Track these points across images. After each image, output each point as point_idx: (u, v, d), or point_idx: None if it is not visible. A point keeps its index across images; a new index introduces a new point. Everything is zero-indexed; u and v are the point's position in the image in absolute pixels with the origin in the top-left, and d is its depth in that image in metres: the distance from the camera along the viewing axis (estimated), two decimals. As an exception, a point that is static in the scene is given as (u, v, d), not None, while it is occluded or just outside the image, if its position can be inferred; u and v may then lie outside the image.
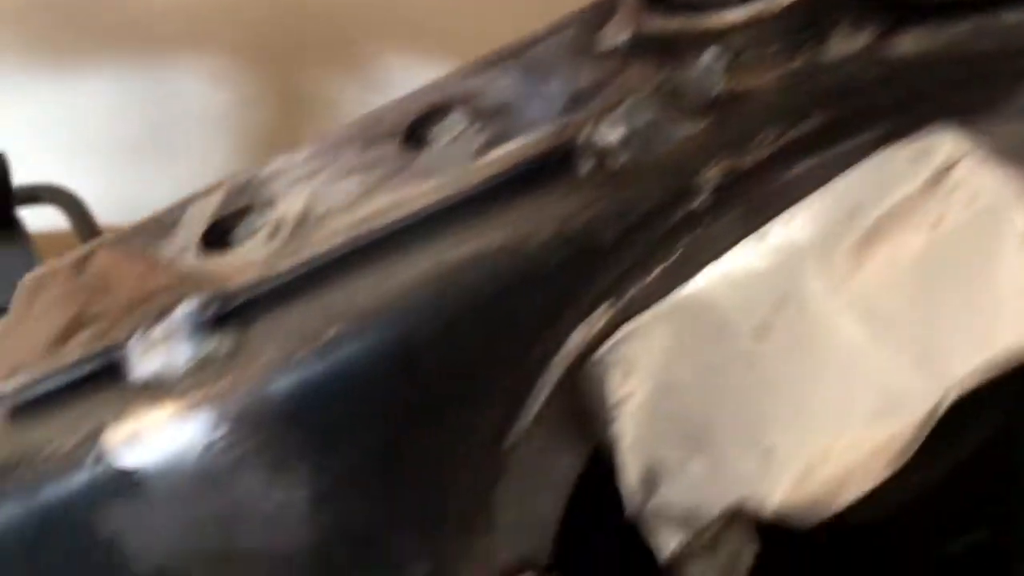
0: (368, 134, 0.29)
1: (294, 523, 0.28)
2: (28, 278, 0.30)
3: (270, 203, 0.28)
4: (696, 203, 0.25)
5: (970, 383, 0.22)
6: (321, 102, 1.09)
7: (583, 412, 0.27)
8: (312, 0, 1.00)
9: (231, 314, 0.26)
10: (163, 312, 0.26)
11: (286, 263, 0.26)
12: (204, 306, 0.26)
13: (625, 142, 0.25)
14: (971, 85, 0.25)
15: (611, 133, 0.25)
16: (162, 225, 0.30)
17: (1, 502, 0.26)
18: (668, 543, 0.22)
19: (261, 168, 0.30)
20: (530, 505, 0.29)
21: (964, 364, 0.21)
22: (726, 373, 0.24)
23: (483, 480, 0.28)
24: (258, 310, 0.26)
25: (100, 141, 0.73)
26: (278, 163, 0.30)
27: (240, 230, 0.28)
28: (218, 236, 0.28)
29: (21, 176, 0.71)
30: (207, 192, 0.30)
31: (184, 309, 0.26)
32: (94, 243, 0.30)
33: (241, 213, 0.28)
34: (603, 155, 0.25)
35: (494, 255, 0.25)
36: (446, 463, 0.28)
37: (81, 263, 0.30)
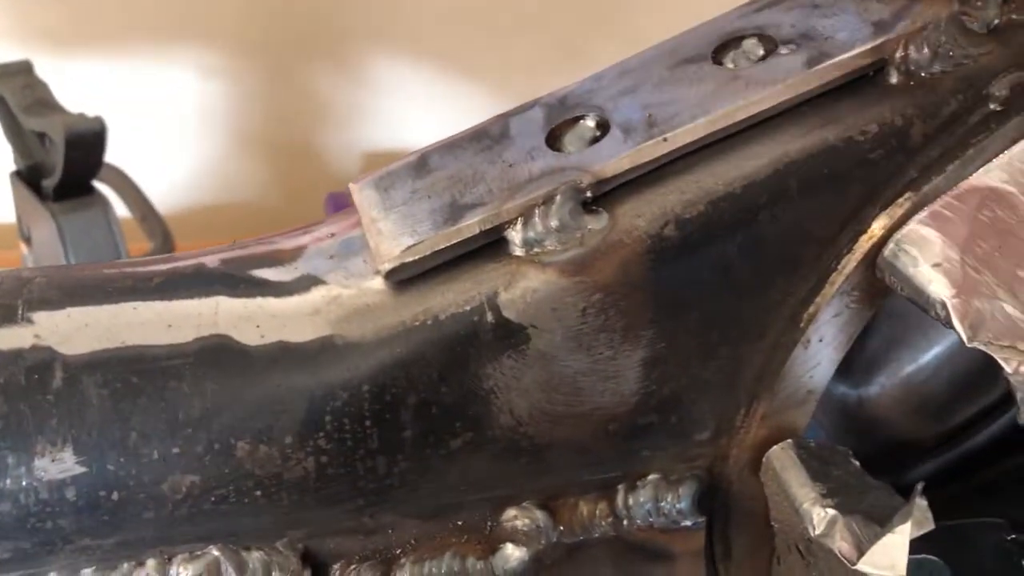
0: (669, 60, 0.34)
1: (624, 387, 0.32)
2: (364, 181, 0.33)
3: (601, 111, 0.33)
4: (988, 108, 0.30)
5: None
6: (313, 97, 1.12)
7: (876, 286, 0.32)
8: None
9: (606, 196, 0.30)
10: (546, 196, 0.30)
11: (649, 154, 0.30)
12: (582, 190, 0.30)
13: (930, 59, 0.31)
14: None
15: (918, 52, 0.31)
16: (488, 135, 0.34)
17: (405, 366, 0.29)
18: (1008, 364, 0.28)
19: (565, 90, 0.35)
20: (806, 376, 0.34)
21: None
22: (1019, 239, 0.29)
23: (779, 352, 0.33)
24: (629, 192, 0.30)
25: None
26: (585, 84, 0.35)
27: (572, 135, 0.33)
28: (556, 139, 0.33)
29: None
30: (519, 111, 0.34)
31: (565, 191, 0.30)
32: (418, 151, 0.34)
33: (572, 122, 0.33)
34: (912, 69, 0.31)
35: (827, 148, 0.30)
36: (754, 334, 0.33)
37: (419, 166, 0.33)
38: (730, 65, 0.33)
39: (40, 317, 0.29)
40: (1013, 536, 0.43)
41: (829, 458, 0.35)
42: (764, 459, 0.35)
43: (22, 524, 0.27)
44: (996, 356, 0.28)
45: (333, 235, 0.33)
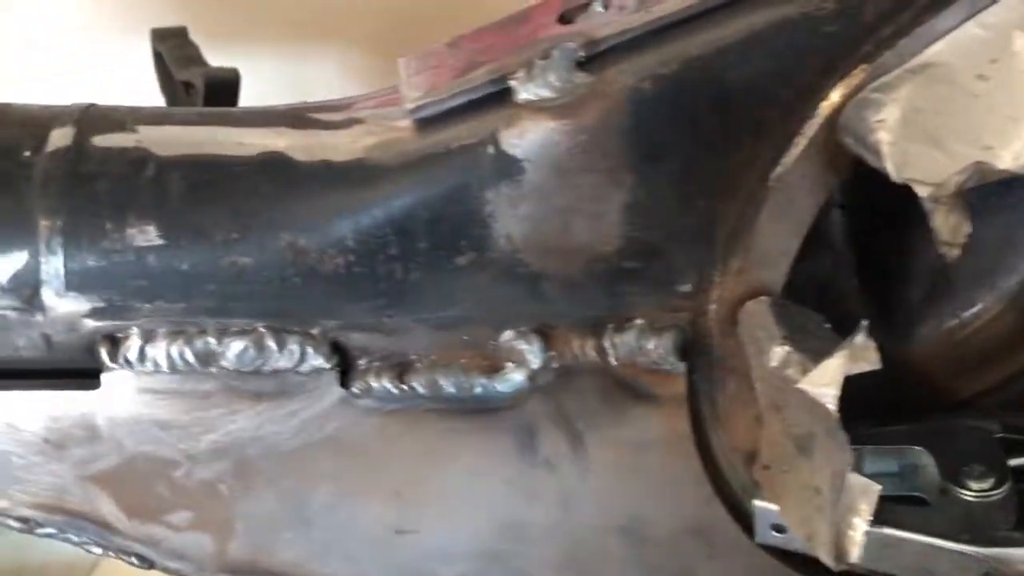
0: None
1: (607, 229, 0.37)
2: (409, 57, 0.40)
3: (606, -3, 0.39)
4: (936, -9, 0.35)
5: None
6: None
7: (837, 147, 0.36)
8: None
9: (595, 56, 0.36)
10: (545, 53, 0.36)
11: (634, 22, 0.36)
12: (576, 48, 0.36)
13: (883, -56, 0.35)
14: None
15: (873, -61, 0.35)
16: (511, 20, 0.40)
17: (420, 184, 0.36)
18: (922, 192, 0.32)
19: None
20: (779, 235, 0.39)
21: None
22: (954, 101, 0.33)
23: (750, 209, 0.38)
24: (616, 54, 0.36)
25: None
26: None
27: (583, 16, 0.39)
28: (568, 20, 0.39)
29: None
30: (543, 2, 0.41)
31: (561, 50, 0.36)
32: (456, 37, 0.41)
33: (585, 6, 0.39)
34: (869, -46, 0.35)
35: (788, 20, 0.35)
36: (726, 190, 0.38)
37: (453, 44, 0.40)
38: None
39: (142, 129, 0.37)
40: (1001, 435, 0.45)
41: (801, 317, 0.39)
42: (740, 313, 0.39)
43: (115, 279, 0.35)
44: (916, 188, 0.32)
45: (380, 96, 0.40)
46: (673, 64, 0.36)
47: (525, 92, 0.36)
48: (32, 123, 0.37)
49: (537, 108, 0.36)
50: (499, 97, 0.37)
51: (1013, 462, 0.45)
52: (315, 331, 0.37)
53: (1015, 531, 0.40)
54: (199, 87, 0.77)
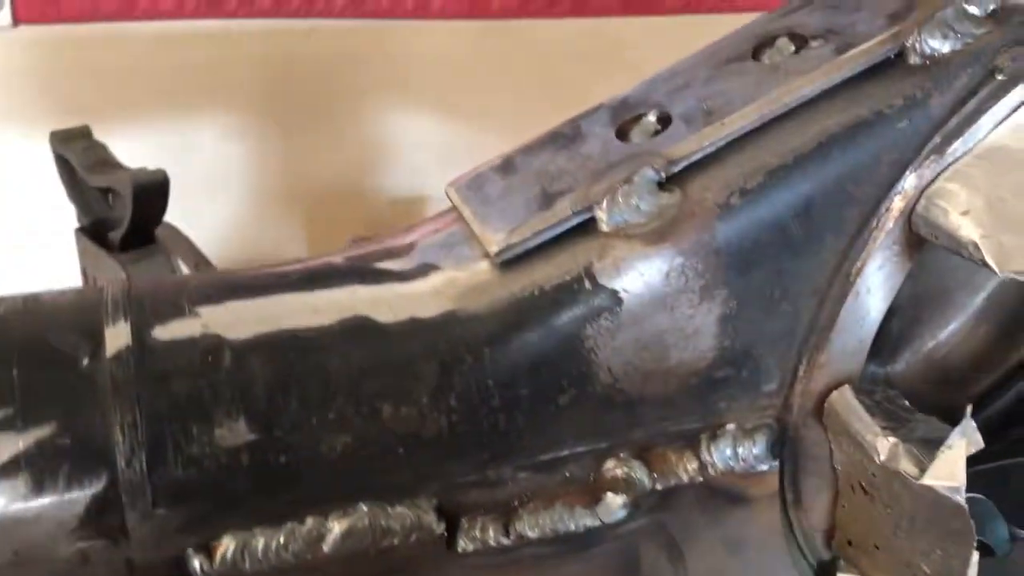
0: (712, 61, 0.40)
1: (703, 343, 0.37)
2: (458, 183, 0.38)
3: (659, 107, 0.38)
4: (995, 80, 0.36)
5: None
6: (335, 151, 1.17)
7: (913, 239, 0.37)
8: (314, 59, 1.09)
9: (676, 176, 0.35)
10: (626, 179, 0.35)
11: (710, 137, 0.35)
12: (657, 171, 0.35)
13: (941, 41, 0.36)
14: None
15: (930, 35, 0.36)
16: (563, 136, 0.39)
17: (518, 330, 0.34)
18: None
19: (624, 93, 0.40)
20: (858, 326, 0.39)
21: None
22: (1030, 184, 0.34)
23: (831, 304, 0.38)
24: (697, 170, 0.35)
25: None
26: (641, 87, 0.40)
27: (637, 130, 0.38)
28: (624, 134, 0.38)
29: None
30: (586, 114, 0.40)
31: (642, 174, 0.35)
32: (501, 155, 0.39)
33: (636, 119, 0.38)
34: (927, 51, 0.36)
35: (861, 121, 0.35)
36: (808, 288, 0.37)
37: (505, 168, 0.38)
38: (767, 61, 0.39)
39: (204, 310, 0.33)
40: (1046, 471, 0.47)
41: (883, 397, 0.40)
42: (826, 404, 0.40)
43: (206, 487, 0.32)
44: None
45: (437, 231, 0.38)
46: (757, 176, 0.35)
47: (613, 220, 0.35)
48: (77, 319, 0.32)
49: (628, 235, 0.35)
50: (585, 229, 0.36)
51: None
52: (420, 499, 0.35)
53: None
54: (124, 193, 0.71)
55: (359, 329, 0.34)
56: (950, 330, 0.59)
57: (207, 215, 1.18)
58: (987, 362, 0.57)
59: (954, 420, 0.58)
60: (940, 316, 0.59)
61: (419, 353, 0.34)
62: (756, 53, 0.39)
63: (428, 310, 0.34)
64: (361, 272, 0.35)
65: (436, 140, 1.20)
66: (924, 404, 0.59)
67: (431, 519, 0.35)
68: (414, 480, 0.35)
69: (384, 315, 0.34)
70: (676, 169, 0.36)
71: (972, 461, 0.44)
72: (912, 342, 0.60)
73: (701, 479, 0.39)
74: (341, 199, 1.25)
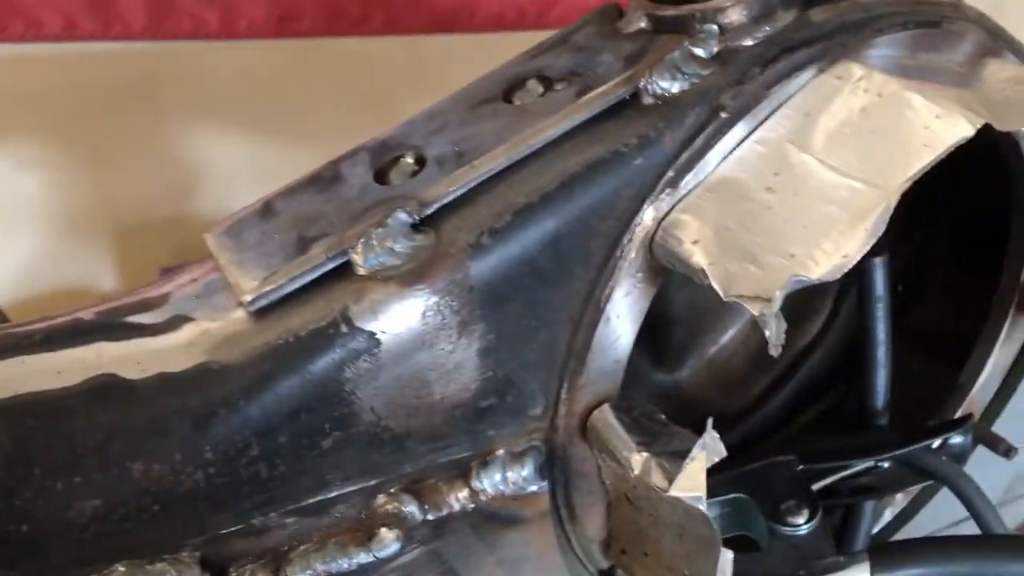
0: (467, 103, 0.41)
1: (465, 376, 0.38)
2: (217, 230, 0.38)
3: (417, 149, 0.39)
4: (720, 118, 0.38)
5: (903, 189, 0.36)
6: (137, 178, 1.14)
7: (655, 266, 0.39)
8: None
9: (429, 217, 0.36)
10: (379, 222, 0.36)
11: (461, 179, 0.36)
12: (410, 213, 0.36)
13: (670, 81, 0.38)
14: (848, 34, 0.41)
15: (660, 77, 0.38)
16: (323, 179, 0.39)
17: (274, 379, 0.34)
18: (755, 309, 0.35)
19: (383, 134, 0.41)
20: (611, 348, 0.41)
21: (898, 178, 0.36)
22: (755, 216, 0.37)
23: (585, 329, 0.40)
24: (448, 212, 0.36)
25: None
26: (400, 129, 0.41)
27: (396, 171, 0.39)
28: (383, 176, 0.38)
29: None
30: (346, 156, 0.40)
31: (396, 217, 0.36)
32: (260, 199, 0.39)
33: (395, 161, 0.39)
34: (659, 91, 0.38)
35: (600, 160, 0.37)
36: (563, 317, 0.39)
37: (264, 211, 0.38)
38: (518, 102, 0.40)
39: (-64, 378, 0.32)
40: (802, 467, 0.51)
41: (640, 414, 0.42)
42: (588, 422, 0.42)
43: None
44: (746, 304, 0.36)
45: (194, 280, 0.38)
46: (506, 215, 0.37)
47: (368, 263, 0.36)
48: None
49: (384, 278, 0.36)
50: (340, 273, 0.36)
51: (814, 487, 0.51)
52: (183, 554, 0.34)
53: (839, 555, 0.46)
54: None
55: (105, 388, 0.33)
56: (730, 335, 0.63)
57: (2, 249, 1.12)
58: (765, 361, 0.62)
59: (730, 425, 0.62)
60: (719, 323, 0.63)
61: (170, 409, 0.33)
62: (508, 95, 0.41)
63: (179, 364, 0.34)
64: (109, 328, 0.34)
65: (249, 162, 1.18)
66: (711, 407, 0.63)
67: (195, 572, 0.35)
68: (172, 536, 0.34)
69: (132, 372, 0.33)
70: (429, 211, 0.37)
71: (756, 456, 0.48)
72: (695, 350, 0.63)
73: (473, 506, 0.40)
74: (153, 227, 1.20)
